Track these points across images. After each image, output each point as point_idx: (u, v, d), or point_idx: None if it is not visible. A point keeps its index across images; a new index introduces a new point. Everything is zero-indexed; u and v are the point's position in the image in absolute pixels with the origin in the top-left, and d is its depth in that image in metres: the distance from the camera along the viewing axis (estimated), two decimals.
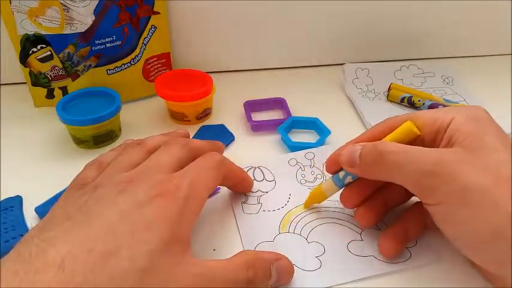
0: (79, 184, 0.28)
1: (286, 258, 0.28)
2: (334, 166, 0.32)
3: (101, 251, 0.22)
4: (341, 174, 0.31)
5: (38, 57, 0.44)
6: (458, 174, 0.24)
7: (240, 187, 0.35)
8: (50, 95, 0.47)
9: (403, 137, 0.28)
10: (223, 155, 0.33)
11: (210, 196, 0.35)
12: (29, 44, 0.43)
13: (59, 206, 0.26)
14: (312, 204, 0.34)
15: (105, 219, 0.23)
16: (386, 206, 0.32)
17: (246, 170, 0.38)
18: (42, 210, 0.33)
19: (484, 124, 0.27)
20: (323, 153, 0.40)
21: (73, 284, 0.20)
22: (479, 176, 0.24)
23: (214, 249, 0.31)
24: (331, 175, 0.32)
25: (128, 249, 0.22)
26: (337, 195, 0.32)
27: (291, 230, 0.32)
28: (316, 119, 0.44)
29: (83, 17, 0.43)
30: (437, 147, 0.28)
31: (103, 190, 0.26)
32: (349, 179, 0.31)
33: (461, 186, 0.24)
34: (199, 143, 0.32)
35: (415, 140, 0.29)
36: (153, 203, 0.25)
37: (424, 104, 0.46)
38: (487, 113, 0.28)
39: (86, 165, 0.30)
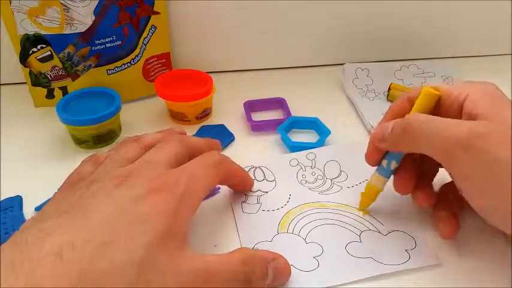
0: (75, 179, 0.28)
1: (283, 258, 0.28)
2: (374, 155, 0.32)
3: (99, 241, 0.22)
4: (384, 162, 0.31)
5: (38, 57, 0.44)
6: (489, 148, 0.25)
7: (240, 186, 0.35)
8: (50, 95, 0.47)
9: (426, 102, 0.29)
10: (224, 154, 0.33)
11: (210, 196, 0.35)
12: (29, 44, 0.43)
13: (55, 199, 0.27)
14: (368, 204, 0.33)
15: (102, 211, 0.24)
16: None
17: (246, 169, 0.38)
18: None
19: (499, 98, 0.27)
20: (324, 154, 0.40)
21: (71, 274, 0.20)
22: (508, 149, 0.24)
23: (215, 245, 0.31)
24: (375, 168, 0.32)
25: (125, 241, 0.22)
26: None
27: (290, 230, 0.32)
28: (316, 119, 0.44)
29: (83, 17, 0.43)
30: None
31: (99, 184, 0.26)
32: (394, 164, 0.31)
33: (491, 160, 0.24)
34: (196, 140, 0.32)
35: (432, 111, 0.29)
36: (150, 197, 0.25)
37: None
38: (498, 88, 0.29)
39: (82, 161, 0.30)
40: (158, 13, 0.47)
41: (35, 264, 0.20)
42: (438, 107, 0.29)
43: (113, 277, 0.21)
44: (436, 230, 0.32)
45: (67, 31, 0.43)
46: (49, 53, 0.44)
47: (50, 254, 0.21)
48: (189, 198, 0.26)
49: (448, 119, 0.27)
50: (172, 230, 0.24)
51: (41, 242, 0.21)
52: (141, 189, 0.25)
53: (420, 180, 0.32)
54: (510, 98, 0.28)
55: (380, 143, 0.30)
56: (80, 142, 0.41)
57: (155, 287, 0.22)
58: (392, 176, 0.32)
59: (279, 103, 0.47)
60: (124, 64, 0.47)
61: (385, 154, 0.31)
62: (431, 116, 0.28)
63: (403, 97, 0.31)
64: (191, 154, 0.30)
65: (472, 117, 0.27)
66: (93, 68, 0.46)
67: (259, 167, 0.38)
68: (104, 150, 0.40)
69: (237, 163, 0.34)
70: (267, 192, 0.36)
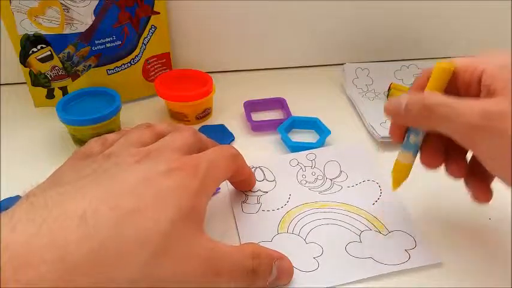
0: (84, 154, 0.28)
1: (288, 259, 0.28)
2: (396, 131, 0.31)
3: (125, 208, 0.22)
4: (406, 136, 0.30)
5: (38, 57, 0.44)
6: (504, 127, 0.24)
7: (245, 184, 0.35)
8: (50, 95, 0.47)
9: (440, 78, 0.28)
10: None
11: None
12: (29, 44, 0.43)
13: (67, 168, 0.26)
14: (401, 182, 0.31)
15: (127, 180, 0.23)
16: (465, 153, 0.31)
17: None
18: None
19: None
20: (324, 154, 0.40)
21: (98, 237, 0.20)
22: None
23: None
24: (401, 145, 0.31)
25: (152, 211, 0.22)
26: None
27: (290, 231, 0.32)
28: (316, 119, 0.44)
29: (83, 17, 0.43)
30: (474, 96, 0.27)
31: (119, 158, 0.25)
32: (413, 137, 0.30)
33: (508, 140, 0.24)
34: (205, 136, 0.32)
35: (450, 88, 0.28)
36: (175, 174, 0.25)
37: None
38: None
39: (89, 141, 0.30)
40: (158, 13, 0.47)
41: (59, 224, 0.20)
42: (455, 82, 0.28)
43: (137, 245, 0.21)
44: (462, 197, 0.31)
45: (67, 31, 0.43)
46: (49, 53, 0.44)
47: (74, 216, 0.20)
48: (209, 181, 0.26)
49: (464, 99, 0.26)
50: (195, 208, 0.24)
51: (62, 203, 0.21)
52: (165, 167, 0.25)
53: (453, 151, 0.30)
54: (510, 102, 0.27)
55: (395, 117, 0.29)
56: (80, 142, 0.41)
57: (175, 260, 0.22)
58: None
59: (279, 103, 0.47)
60: (124, 64, 0.47)
61: (408, 128, 0.30)
62: (445, 98, 0.27)
63: (425, 75, 0.30)
64: (201, 148, 0.30)
65: (490, 92, 0.26)
66: (93, 68, 0.46)
67: (259, 167, 0.38)
68: None
69: None
70: (267, 192, 0.36)
